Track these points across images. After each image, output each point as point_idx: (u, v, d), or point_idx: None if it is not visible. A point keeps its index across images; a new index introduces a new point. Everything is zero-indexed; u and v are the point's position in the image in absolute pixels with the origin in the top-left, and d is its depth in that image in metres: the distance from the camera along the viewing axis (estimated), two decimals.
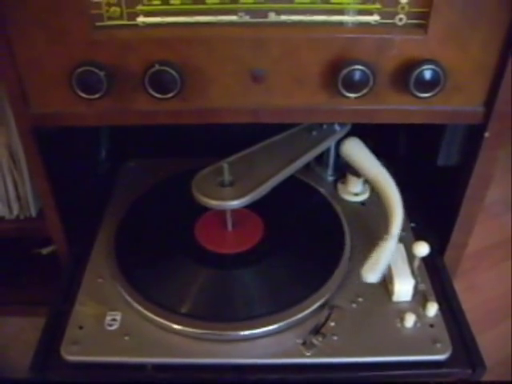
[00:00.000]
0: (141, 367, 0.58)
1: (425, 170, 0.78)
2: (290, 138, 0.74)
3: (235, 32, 0.54)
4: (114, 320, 0.61)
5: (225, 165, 0.65)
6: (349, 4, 0.53)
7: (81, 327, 0.60)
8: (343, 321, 0.61)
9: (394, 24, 0.54)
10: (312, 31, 0.54)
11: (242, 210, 0.68)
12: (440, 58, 0.54)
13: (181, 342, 0.60)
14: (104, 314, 0.62)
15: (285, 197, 0.69)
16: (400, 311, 0.62)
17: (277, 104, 0.58)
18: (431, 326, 0.61)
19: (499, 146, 0.61)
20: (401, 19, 0.54)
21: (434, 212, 0.74)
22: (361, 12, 0.54)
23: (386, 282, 0.65)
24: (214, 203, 0.64)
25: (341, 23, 0.54)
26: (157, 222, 0.74)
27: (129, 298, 0.63)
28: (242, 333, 0.60)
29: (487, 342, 0.76)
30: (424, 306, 0.62)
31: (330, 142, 0.76)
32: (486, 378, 0.60)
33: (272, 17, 0.54)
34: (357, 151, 0.75)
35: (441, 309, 0.62)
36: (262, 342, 0.60)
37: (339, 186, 0.81)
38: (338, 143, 0.76)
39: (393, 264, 0.64)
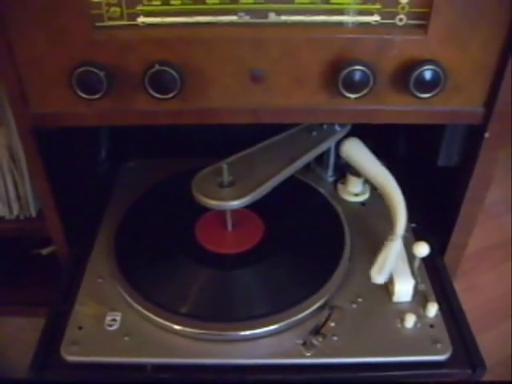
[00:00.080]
0: (141, 367, 0.58)
1: (425, 171, 0.78)
2: (290, 138, 0.74)
3: (235, 32, 0.54)
4: (114, 320, 0.61)
5: (224, 165, 0.65)
6: (349, 4, 0.53)
7: (80, 327, 0.60)
8: (343, 321, 0.61)
9: (394, 24, 0.54)
10: (312, 31, 0.54)
11: (242, 210, 0.68)
12: (440, 59, 0.54)
13: (181, 342, 0.60)
14: (104, 314, 0.62)
15: (285, 197, 0.69)
16: (400, 311, 0.62)
17: (277, 104, 0.58)
18: (431, 326, 0.61)
19: (499, 146, 0.61)
20: (401, 19, 0.54)
21: (434, 212, 0.74)
22: (361, 12, 0.54)
23: (386, 282, 0.65)
24: (213, 203, 0.64)
25: (341, 23, 0.54)
26: (157, 222, 0.74)
27: (129, 298, 0.63)
28: (242, 333, 0.60)
29: (487, 342, 0.76)
30: (424, 307, 0.62)
31: (330, 143, 0.76)
32: (486, 378, 0.60)
33: (272, 17, 0.54)
34: (357, 151, 0.75)
35: (441, 309, 0.62)
36: (262, 342, 0.60)
37: (339, 186, 0.81)
38: (338, 143, 0.76)
39: None
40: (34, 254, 0.87)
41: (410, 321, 0.60)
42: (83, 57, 0.53)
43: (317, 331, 0.60)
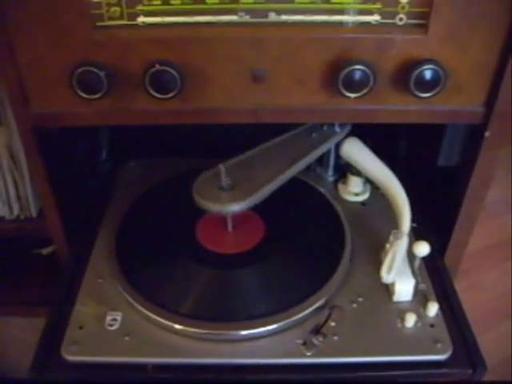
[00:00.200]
0: (141, 367, 0.58)
1: (425, 170, 0.78)
2: (290, 140, 0.74)
3: (235, 32, 0.54)
4: (115, 320, 0.61)
5: (222, 167, 0.65)
6: (349, 4, 0.53)
7: (81, 327, 0.60)
8: (343, 321, 0.61)
9: (394, 24, 0.54)
10: (312, 31, 0.54)
11: (243, 211, 0.68)
12: (440, 58, 0.54)
13: (181, 341, 0.60)
14: (104, 314, 0.62)
15: (285, 197, 0.69)
16: (400, 311, 0.62)
17: (277, 104, 0.58)
18: (432, 325, 0.61)
19: (499, 145, 0.61)
20: (401, 19, 0.54)
21: (435, 212, 0.74)
22: (361, 12, 0.54)
23: (386, 281, 0.65)
24: (213, 207, 0.64)
25: (341, 23, 0.54)
26: (157, 221, 0.74)
27: (129, 298, 0.63)
28: (243, 333, 0.60)
29: (488, 341, 0.76)
30: (424, 306, 0.62)
31: (330, 144, 0.76)
32: (486, 377, 0.60)
33: (272, 17, 0.54)
34: (357, 151, 0.75)
35: (441, 308, 0.62)
36: (263, 342, 0.60)
37: (340, 186, 0.81)
38: (338, 144, 0.76)
39: None
40: (34, 254, 0.87)
41: (411, 320, 0.60)
42: (83, 57, 0.53)
43: (317, 331, 0.60)
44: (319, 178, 0.82)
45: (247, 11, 0.54)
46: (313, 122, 0.75)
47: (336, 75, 0.54)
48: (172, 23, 0.54)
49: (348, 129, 0.76)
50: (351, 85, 0.54)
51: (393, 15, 0.54)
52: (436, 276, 0.67)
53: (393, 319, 0.62)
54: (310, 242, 0.71)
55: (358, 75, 0.53)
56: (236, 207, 0.64)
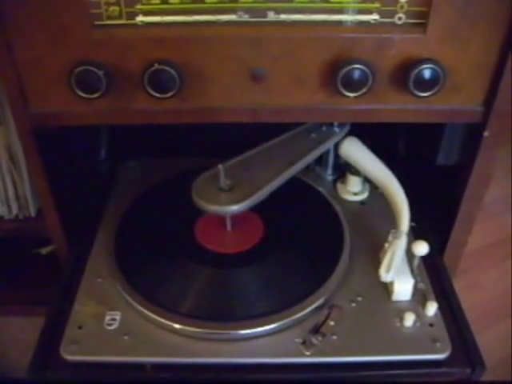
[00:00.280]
0: (140, 367, 0.58)
1: (424, 170, 0.78)
2: (289, 140, 0.74)
3: (234, 31, 0.54)
4: (114, 319, 0.61)
5: (221, 167, 0.65)
6: (348, 3, 0.53)
7: (80, 327, 0.60)
8: (343, 320, 0.61)
9: (393, 23, 0.54)
10: (311, 30, 0.54)
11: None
12: (439, 57, 0.54)
13: (180, 341, 0.60)
14: (103, 314, 0.62)
15: (284, 196, 0.69)
16: (399, 310, 0.62)
17: (276, 103, 0.58)
18: (431, 325, 0.61)
19: (498, 145, 0.61)
20: (400, 18, 0.54)
21: (434, 211, 0.74)
22: (360, 11, 0.54)
23: (385, 281, 0.65)
24: (212, 208, 0.64)
25: (340, 22, 0.54)
26: (156, 221, 0.74)
27: (128, 298, 0.63)
28: (242, 332, 0.60)
29: (487, 341, 0.76)
30: (423, 306, 0.62)
31: (329, 144, 0.76)
32: (486, 377, 0.60)
33: (271, 16, 0.54)
34: (356, 151, 0.75)
35: (440, 308, 0.62)
36: (262, 341, 0.60)
37: (338, 185, 0.81)
38: (337, 143, 0.76)
39: None
40: (33, 254, 0.87)
41: (410, 320, 0.60)
42: (82, 56, 0.53)
43: (316, 330, 0.60)
44: (318, 177, 0.82)
45: (246, 10, 0.54)
46: (312, 122, 0.75)
47: (335, 74, 0.54)
48: (171, 22, 0.54)
49: (347, 128, 0.76)
50: (350, 84, 0.54)
51: (392, 14, 0.54)
52: (435, 275, 0.67)
53: (392, 318, 0.62)
54: (309, 241, 0.71)
55: (357, 74, 0.53)
56: (235, 208, 0.64)
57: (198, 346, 0.59)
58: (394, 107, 0.58)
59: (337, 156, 0.79)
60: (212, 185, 0.66)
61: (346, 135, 0.76)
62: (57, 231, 0.69)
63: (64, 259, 0.71)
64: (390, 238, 0.65)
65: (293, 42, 0.54)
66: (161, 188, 0.79)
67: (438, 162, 0.70)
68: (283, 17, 0.54)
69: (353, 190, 0.80)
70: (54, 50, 0.54)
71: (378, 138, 0.75)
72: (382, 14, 0.54)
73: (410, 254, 0.65)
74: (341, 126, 0.76)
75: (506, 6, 0.52)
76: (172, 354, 0.58)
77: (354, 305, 0.63)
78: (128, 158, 0.87)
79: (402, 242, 0.64)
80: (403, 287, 0.63)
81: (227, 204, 0.64)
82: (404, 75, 0.54)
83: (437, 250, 0.70)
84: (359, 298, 0.64)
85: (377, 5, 0.53)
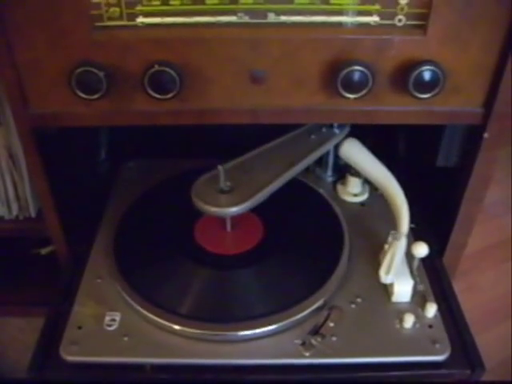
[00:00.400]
0: (140, 367, 0.58)
1: (424, 171, 0.78)
2: (289, 142, 0.74)
3: (234, 32, 0.54)
4: (113, 320, 0.61)
5: (220, 169, 0.65)
6: (348, 5, 0.53)
7: (80, 327, 0.60)
8: (342, 321, 0.61)
9: (393, 25, 0.54)
10: (311, 32, 0.54)
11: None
12: (439, 59, 0.54)
13: (180, 342, 0.60)
14: (103, 315, 0.62)
15: (284, 198, 0.69)
16: (399, 312, 0.62)
17: (276, 104, 0.58)
18: (430, 326, 0.61)
19: (498, 146, 0.61)
20: (400, 20, 0.54)
21: (434, 213, 0.74)
22: (360, 13, 0.54)
23: (385, 282, 0.65)
24: (212, 210, 0.64)
25: (340, 24, 0.54)
26: (156, 222, 0.74)
27: (128, 299, 0.63)
28: (241, 333, 0.60)
29: (487, 342, 0.76)
30: (423, 307, 0.62)
31: (329, 146, 0.76)
32: (486, 378, 0.60)
33: (271, 17, 0.54)
34: (356, 152, 0.75)
35: (440, 309, 0.62)
36: (261, 342, 0.60)
37: (338, 186, 0.81)
38: (337, 144, 0.76)
39: None
40: (33, 254, 0.87)
41: (409, 321, 0.60)
42: (83, 57, 0.53)
43: (316, 331, 0.60)
44: (318, 178, 0.82)
45: (246, 12, 0.54)
46: (312, 123, 0.75)
47: (335, 76, 0.54)
48: (171, 24, 0.54)
49: (347, 130, 0.76)
50: (350, 86, 0.54)
51: (392, 16, 0.54)
52: (435, 277, 0.67)
53: (391, 320, 0.62)
54: (308, 242, 0.71)
55: (357, 76, 0.53)
56: (235, 210, 0.64)
57: (197, 347, 0.59)
58: (394, 109, 0.58)
59: (337, 157, 0.79)
60: (212, 186, 0.66)
61: (346, 137, 0.76)
62: (56, 232, 0.69)
63: (64, 260, 0.71)
64: (390, 239, 0.65)
65: (293, 44, 0.54)
66: (161, 189, 0.79)
67: (437, 164, 0.70)
68: (283, 18, 0.54)
69: (353, 192, 0.80)
70: (55, 51, 0.54)
71: (377, 139, 0.75)
72: (382, 15, 0.54)
73: (409, 256, 0.65)
74: (341, 127, 0.76)
75: (506, 7, 0.52)
76: (171, 354, 0.58)
77: (353, 306, 0.63)
78: (128, 158, 0.87)
79: (401, 244, 0.64)
80: (403, 288, 0.63)
81: (227, 205, 0.64)
82: (404, 77, 0.54)
83: (436, 251, 0.70)
84: (359, 300, 0.64)
85: (377, 7, 0.53)
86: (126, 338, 0.59)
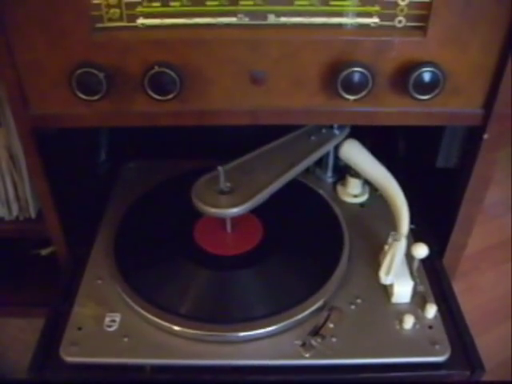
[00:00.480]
0: (140, 368, 0.58)
1: (424, 172, 0.78)
2: (289, 143, 0.74)
3: (234, 34, 0.54)
4: (113, 321, 0.61)
5: (220, 169, 0.65)
6: (348, 6, 0.53)
7: (80, 328, 0.60)
8: (342, 322, 0.61)
9: (393, 26, 0.54)
10: (311, 33, 0.54)
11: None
12: (439, 61, 0.54)
13: (179, 343, 0.60)
14: (103, 315, 0.62)
15: (284, 198, 0.69)
16: (399, 313, 0.62)
17: (276, 105, 0.58)
18: (430, 327, 0.61)
19: (498, 147, 0.61)
20: (400, 21, 0.54)
21: (434, 214, 0.74)
22: (360, 14, 0.54)
23: (385, 283, 0.65)
24: (212, 211, 0.64)
25: (340, 25, 0.54)
26: (156, 223, 0.74)
27: (128, 300, 0.63)
28: (241, 334, 0.60)
29: (487, 343, 0.76)
30: (423, 308, 0.62)
31: (329, 147, 0.76)
32: (485, 379, 0.60)
33: (271, 19, 0.54)
34: (356, 153, 0.75)
35: (440, 310, 0.62)
36: (261, 343, 0.60)
37: (338, 187, 0.81)
38: (337, 145, 0.76)
39: None
40: (33, 255, 0.87)
41: (409, 322, 0.60)
42: (83, 58, 0.54)
43: (316, 332, 0.60)
44: (318, 179, 0.82)
45: (246, 13, 0.54)
46: (311, 124, 0.75)
47: (335, 77, 0.54)
48: (171, 25, 0.54)
49: (347, 131, 0.76)
50: (350, 87, 0.54)
51: (392, 17, 0.54)
52: (434, 278, 0.67)
53: (391, 321, 0.62)
54: (308, 243, 0.71)
55: (356, 77, 0.53)
56: (235, 211, 0.64)
57: (197, 348, 0.59)
58: (394, 110, 0.58)
59: (337, 158, 0.79)
60: (212, 187, 0.66)
61: (346, 137, 0.76)
62: (57, 232, 0.69)
63: (64, 260, 0.71)
64: (390, 240, 0.65)
65: (293, 45, 0.54)
66: (161, 190, 0.79)
67: (437, 165, 0.70)
68: (283, 19, 0.54)
69: (353, 192, 0.80)
70: (55, 52, 0.54)
71: (377, 140, 0.75)
72: (382, 17, 0.54)
73: (409, 257, 0.65)
74: (341, 128, 0.76)
75: (505, 7, 0.52)
76: (171, 355, 0.58)
77: (353, 307, 0.63)
78: (128, 159, 0.87)
79: (401, 245, 0.64)
80: (403, 289, 0.63)
81: (227, 207, 0.64)
82: (404, 78, 0.54)
83: (436, 252, 0.70)
84: (359, 301, 0.64)
85: (377, 8, 0.53)
86: (125, 339, 0.59)
